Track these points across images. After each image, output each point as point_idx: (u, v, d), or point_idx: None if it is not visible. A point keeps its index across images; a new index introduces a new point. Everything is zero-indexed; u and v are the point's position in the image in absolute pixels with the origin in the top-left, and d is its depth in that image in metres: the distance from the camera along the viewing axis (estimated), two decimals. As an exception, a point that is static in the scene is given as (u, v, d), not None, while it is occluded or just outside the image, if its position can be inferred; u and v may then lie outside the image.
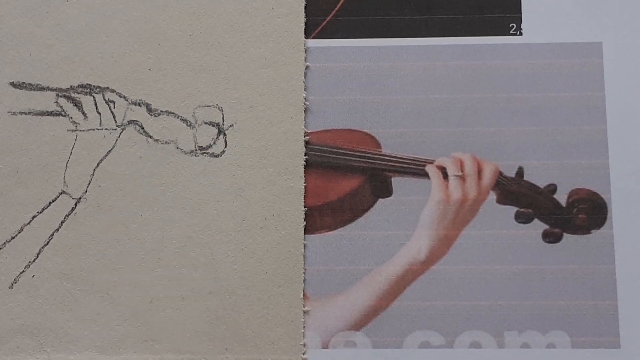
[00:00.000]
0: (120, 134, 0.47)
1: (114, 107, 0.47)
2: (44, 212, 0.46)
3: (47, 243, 0.46)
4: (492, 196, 0.46)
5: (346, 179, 0.47)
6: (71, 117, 0.47)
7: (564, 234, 0.46)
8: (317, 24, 0.48)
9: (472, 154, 0.47)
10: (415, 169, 0.47)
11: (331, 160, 0.47)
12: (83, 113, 0.47)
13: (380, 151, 0.47)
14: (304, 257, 0.46)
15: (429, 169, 0.47)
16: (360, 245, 0.46)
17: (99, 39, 0.47)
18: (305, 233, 0.46)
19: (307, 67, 0.47)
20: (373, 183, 0.47)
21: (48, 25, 0.47)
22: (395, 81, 0.47)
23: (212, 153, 0.46)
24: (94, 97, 0.47)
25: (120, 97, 0.47)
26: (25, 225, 0.46)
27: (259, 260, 0.45)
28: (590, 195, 0.46)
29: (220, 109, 0.47)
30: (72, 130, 0.47)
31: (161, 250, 0.46)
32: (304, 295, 0.45)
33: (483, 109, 0.47)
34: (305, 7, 0.48)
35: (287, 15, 0.48)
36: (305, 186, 0.46)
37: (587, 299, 0.45)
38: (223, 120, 0.47)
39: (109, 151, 0.46)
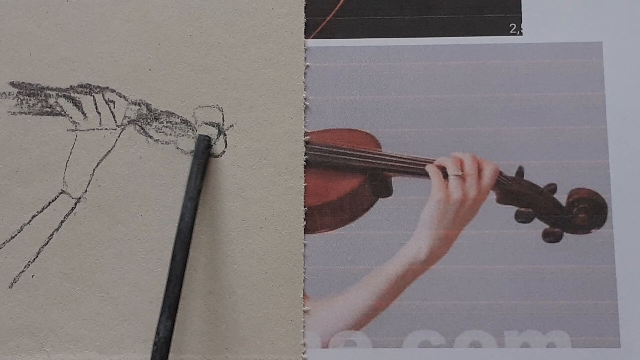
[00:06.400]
0: (120, 134, 0.47)
1: (114, 107, 0.47)
2: (44, 211, 0.46)
3: (47, 243, 0.46)
4: (492, 196, 0.46)
5: (346, 178, 0.47)
6: (71, 117, 0.47)
7: (564, 234, 0.46)
8: (317, 24, 0.48)
9: (472, 154, 0.47)
10: (415, 169, 0.47)
11: (331, 160, 0.47)
12: (83, 113, 0.47)
13: (380, 151, 0.47)
14: (304, 257, 0.46)
15: (429, 168, 0.47)
16: (360, 245, 0.46)
17: (99, 39, 0.47)
18: (305, 233, 0.46)
19: (307, 67, 0.47)
20: (373, 183, 0.47)
21: (48, 25, 0.47)
22: (395, 81, 0.47)
23: (212, 153, 0.46)
24: (93, 97, 0.47)
25: (120, 97, 0.47)
26: (25, 225, 0.46)
27: (259, 260, 0.45)
28: (590, 195, 0.46)
29: (220, 109, 0.47)
30: (72, 130, 0.47)
31: (161, 250, 0.45)
32: (304, 295, 0.45)
33: (483, 109, 0.47)
34: (305, 7, 0.48)
35: (287, 15, 0.48)
36: (305, 186, 0.46)
37: (587, 299, 0.45)
38: (223, 121, 0.47)
39: (109, 151, 0.46)
